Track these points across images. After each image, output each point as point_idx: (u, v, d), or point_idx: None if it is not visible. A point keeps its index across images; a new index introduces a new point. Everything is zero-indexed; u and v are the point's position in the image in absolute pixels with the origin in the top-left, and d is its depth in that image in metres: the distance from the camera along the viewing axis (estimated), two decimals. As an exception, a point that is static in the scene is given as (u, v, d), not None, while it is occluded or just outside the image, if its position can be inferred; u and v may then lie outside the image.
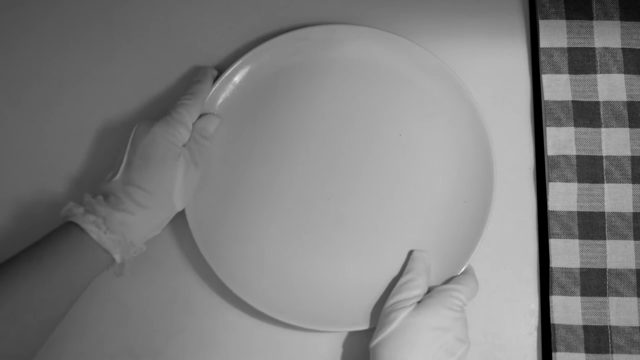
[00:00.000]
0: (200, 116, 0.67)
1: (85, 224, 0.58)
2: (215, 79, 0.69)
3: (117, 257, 0.59)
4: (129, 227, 0.60)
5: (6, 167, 0.70)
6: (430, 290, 0.66)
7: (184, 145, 0.65)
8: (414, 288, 0.65)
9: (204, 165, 0.67)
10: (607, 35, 0.71)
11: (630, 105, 0.71)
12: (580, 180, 0.70)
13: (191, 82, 0.68)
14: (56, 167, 0.70)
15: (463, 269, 0.67)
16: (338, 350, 0.68)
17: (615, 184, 0.70)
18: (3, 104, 0.71)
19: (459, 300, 0.64)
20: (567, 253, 0.69)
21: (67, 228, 0.59)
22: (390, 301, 0.64)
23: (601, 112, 0.71)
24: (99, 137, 0.71)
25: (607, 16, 0.72)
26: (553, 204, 0.70)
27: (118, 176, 0.61)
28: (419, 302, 0.64)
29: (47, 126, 0.71)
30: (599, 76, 0.71)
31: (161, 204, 0.62)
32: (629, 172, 0.70)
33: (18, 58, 0.72)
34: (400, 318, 0.62)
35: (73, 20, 0.72)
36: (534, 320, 0.69)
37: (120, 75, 0.72)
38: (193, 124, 0.66)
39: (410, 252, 0.69)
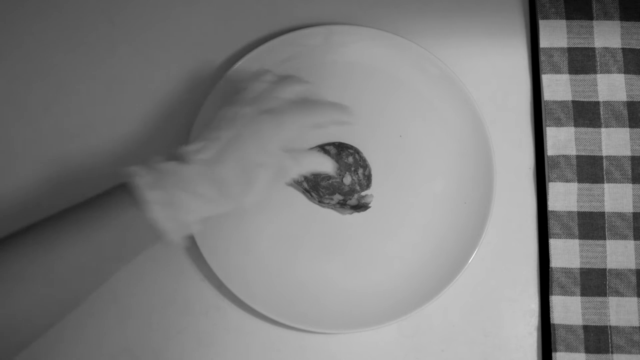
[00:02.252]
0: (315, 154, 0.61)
1: (151, 203, 0.53)
2: (215, 82, 0.69)
3: (171, 238, 0.55)
4: (192, 211, 0.55)
5: (6, 167, 0.70)
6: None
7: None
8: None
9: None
10: (607, 35, 0.71)
11: (630, 105, 0.71)
12: (580, 180, 0.70)
13: (333, 120, 0.60)
14: (56, 166, 0.70)
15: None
16: (336, 351, 0.68)
17: (615, 184, 0.70)
18: (3, 104, 0.71)
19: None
20: (567, 253, 0.69)
21: (123, 199, 0.54)
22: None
23: (601, 112, 0.71)
24: (99, 137, 0.71)
25: (607, 16, 0.72)
26: (553, 204, 0.69)
27: (207, 155, 0.55)
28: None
29: (47, 126, 0.71)
30: (599, 76, 0.71)
31: (234, 201, 0.56)
32: (629, 172, 0.70)
33: (18, 58, 0.72)
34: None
35: (73, 20, 0.72)
36: (534, 320, 0.69)
37: (120, 76, 0.72)
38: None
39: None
